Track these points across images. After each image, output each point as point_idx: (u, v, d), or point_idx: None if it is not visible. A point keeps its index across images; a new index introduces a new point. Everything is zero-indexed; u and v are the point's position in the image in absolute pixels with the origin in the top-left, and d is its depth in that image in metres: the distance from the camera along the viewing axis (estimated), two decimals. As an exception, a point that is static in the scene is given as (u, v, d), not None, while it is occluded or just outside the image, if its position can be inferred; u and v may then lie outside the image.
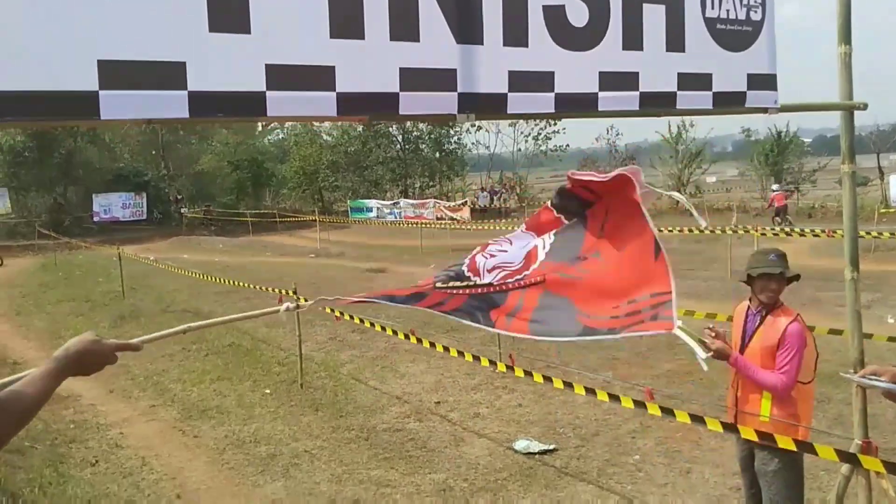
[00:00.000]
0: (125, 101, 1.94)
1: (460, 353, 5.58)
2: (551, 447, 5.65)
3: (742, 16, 3.21)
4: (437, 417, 6.48)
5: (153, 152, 38.44)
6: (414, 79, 2.44)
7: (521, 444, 5.71)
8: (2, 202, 28.76)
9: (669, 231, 15.56)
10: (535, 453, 5.57)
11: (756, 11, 3.26)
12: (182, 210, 34.64)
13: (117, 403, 7.31)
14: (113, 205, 33.36)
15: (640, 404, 4.28)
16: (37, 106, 1.84)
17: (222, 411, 6.86)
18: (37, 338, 10.68)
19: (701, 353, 3.06)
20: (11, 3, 1.78)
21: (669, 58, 3.01)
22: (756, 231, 13.98)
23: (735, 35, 3.19)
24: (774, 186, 27.38)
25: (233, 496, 5.18)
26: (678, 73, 3.05)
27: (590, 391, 4.62)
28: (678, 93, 3.06)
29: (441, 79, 2.50)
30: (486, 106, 2.61)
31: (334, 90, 2.28)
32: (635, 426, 5.96)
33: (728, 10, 3.16)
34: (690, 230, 14.20)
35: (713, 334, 3.43)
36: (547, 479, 5.14)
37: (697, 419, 3.85)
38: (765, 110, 3.32)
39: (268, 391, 7.44)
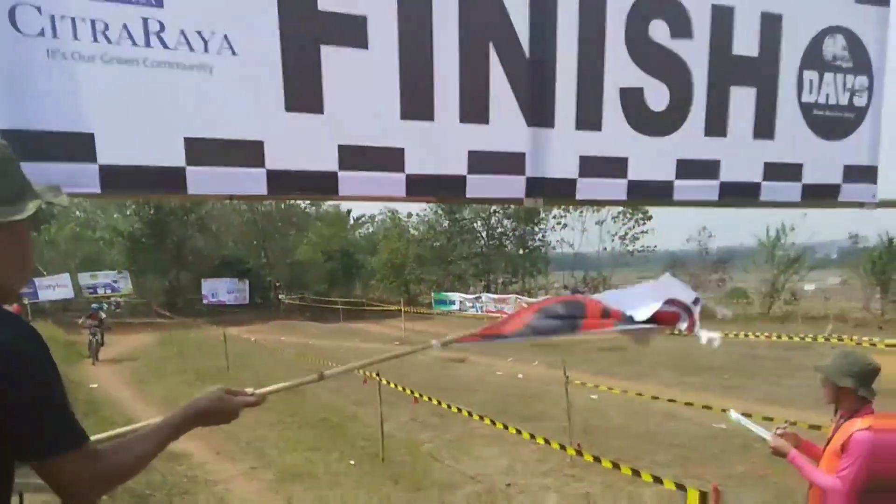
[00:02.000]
0: (209, 177, 2.03)
1: (532, 436, 6.05)
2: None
3: (844, 101, 2.89)
4: (507, 499, 6.90)
5: (254, 242, 41.02)
6: (482, 162, 2.39)
7: (585, 528, 6.04)
8: (124, 284, 31.20)
9: (756, 337, 15.45)
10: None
11: (861, 97, 2.92)
12: (280, 296, 36.49)
13: (223, 463, 8.11)
14: (219, 290, 35.76)
15: (704, 496, 4.58)
16: (134, 180, 1.97)
17: (312, 477, 7.52)
18: (156, 403, 11.81)
19: (763, 433, 3.24)
20: (110, 83, 1.91)
21: (756, 145, 2.79)
22: (852, 340, 13.73)
23: (833, 122, 2.88)
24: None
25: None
26: (765, 163, 2.82)
27: (657, 479, 4.94)
28: (763, 183, 2.82)
29: (510, 162, 2.43)
30: (555, 191, 2.53)
31: (403, 171, 2.27)
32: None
33: (828, 95, 2.85)
34: (779, 336, 14.10)
35: (780, 431, 3.42)
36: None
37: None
38: (860, 205, 3.03)
39: (352, 462, 8.07)
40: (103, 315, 18.24)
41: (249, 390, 1.73)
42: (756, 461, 7.89)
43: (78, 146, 1.91)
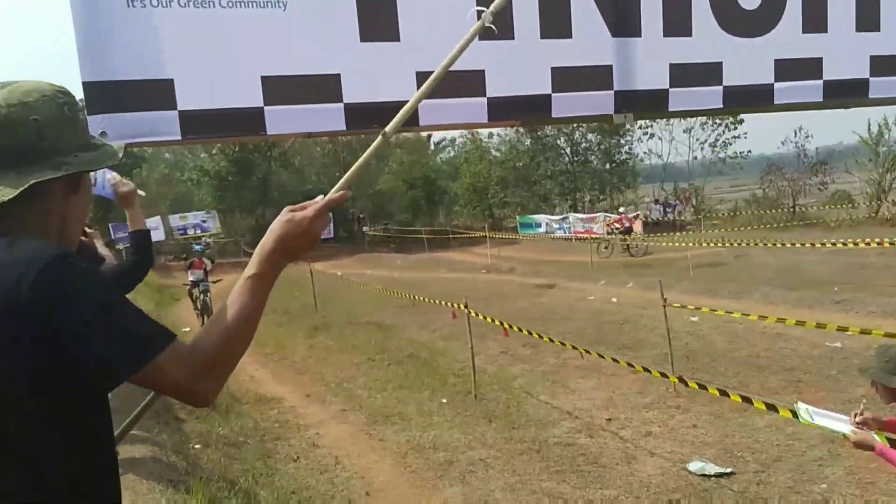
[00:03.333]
0: (287, 115, 2.03)
1: (630, 365, 5.61)
2: (728, 470, 5.49)
3: None
4: (609, 434, 6.53)
5: (336, 174, 41.48)
6: (567, 79, 2.28)
7: (695, 466, 5.62)
8: (213, 223, 31.99)
9: (866, 244, 14.22)
10: (710, 475, 5.45)
11: None
12: (364, 228, 36.98)
13: (314, 406, 8.13)
14: (305, 225, 36.49)
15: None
16: (214, 124, 1.98)
17: (404, 418, 7.39)
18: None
19: (840, 426, 2.95)
20: (188, 28, 1.92)
21: (860, 39, 2.62)
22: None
23: None
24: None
25: (414, 497, 5.60)
26: (871, 57, 2.64)
27: (770, 407, 4.47)
28: (871, 79, 2.65)
29: (596, 77, 2.33)
30: (646, 104, 2.41)
31: (485, 95, 2.20)
32: (822, 453, 5.63)
33: None
34: (891, 242, 12.88)
35: (860, 419, 3.00)
36: (723, 502, 5.02)
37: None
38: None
39: (444, 401, 7.89)
40: (208, 263, 14.03)
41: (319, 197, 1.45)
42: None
43: (159, 94, 1.92)
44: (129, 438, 5.44)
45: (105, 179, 2.74)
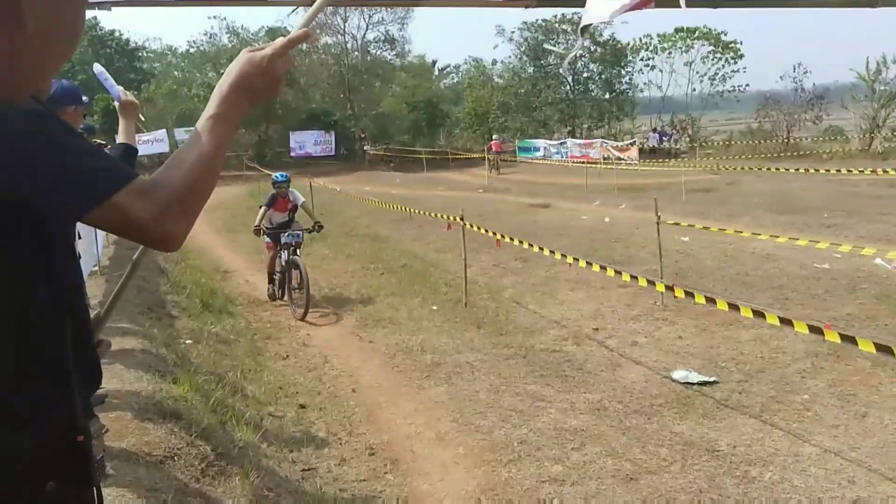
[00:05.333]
0: None
1: (618, 273, 5.61)
2: (711, 379, 5.58)
3: None
4: (595, 343, 6.61)
5: (340, 95, 41.18)
6: None
7: (679, 374, 5.70)
8: None
9: (860, 172, 14.16)
10: (693, 384, 5.54)
11: None
12: (366, 147, 36.69)
13: (305, 310, 8.18)
14: (306, 142, 36.15)
15: (816, 330, 4.11)
16: None
17: (394, 322, 7.46)
18: (243, 251, 12.10)
19: None
20: None
21: None
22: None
23: None
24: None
25: (401, 395, 5.70)
26: None
27: (758, 314, 4.48)
28: None
29: None
30: None
31: None
32: (805, 366, 5.71)
33: None
34: (885, 171, 12.78)
35: None
36: (705, 409, 5.11)
37: (885, 349, 3.65)
38: None
39: (435, 308, 7.95)
40: (297, 197, 8.72)
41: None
42: (865, 302, 7.26)
43: None
44: (119, 331, 5.47)
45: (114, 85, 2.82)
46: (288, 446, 4.64)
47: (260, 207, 8.36)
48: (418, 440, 4.87)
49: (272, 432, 4.78)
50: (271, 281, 8.51)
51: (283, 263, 8.13)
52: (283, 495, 3.85)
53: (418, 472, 4.43)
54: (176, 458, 3.46)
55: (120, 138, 2.79)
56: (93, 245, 7.51)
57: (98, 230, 8.23)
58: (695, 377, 5.61)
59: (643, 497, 3.88)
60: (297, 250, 8.07)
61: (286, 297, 8.19)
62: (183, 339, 6.36)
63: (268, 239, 8.42)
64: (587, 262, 6.13)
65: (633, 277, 5.60)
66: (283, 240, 8.03)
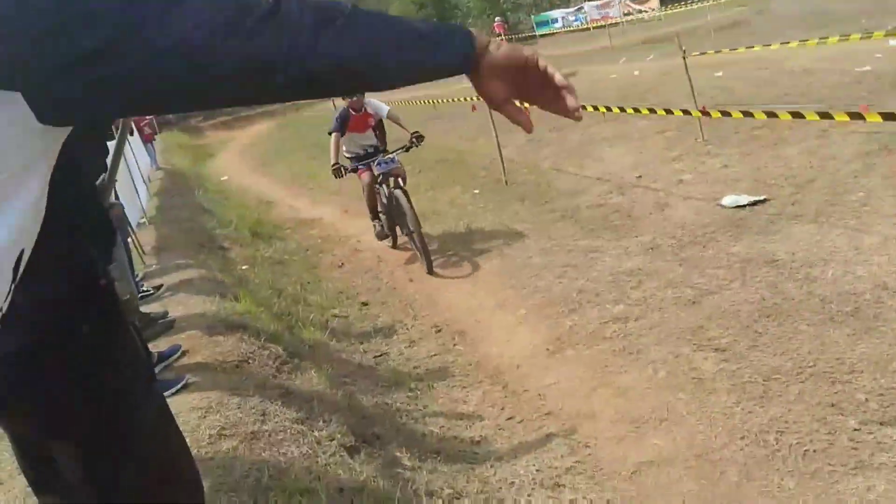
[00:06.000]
0: None
1: (651, 111, 5.45)
2: (762, 198, 5.45)
3: None
4: (640, 189, 6.51)
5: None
6: None
7: (728, 200, 5.59)
8: None
9: None
10: (744, 206, 5.43)
11: None
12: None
13: (352, 220, 8.29)
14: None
15: (856, 117, 3.94)
16: None
17: (437, 213, 7.50)
18: (281, 181, 12.25)
19: None
20: None
21: None
22: None
23: None
24: None
25: (457, 276, 5.78)
26: None
27: (797, 115, 4.31)
28: None
29: None
30: None
31: None
32: (857, 167, 5.51)
33: None
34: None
35: None
36: (759, 226, 5.02)
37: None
38: None
39: (476, 192, 7.94)
40: (380, 109, 5.07)
41: None
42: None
43: None
44: (175, 266, 5.68)
45: None
46: (357, 340, 4.82)
47: (330, 136, 6.24)
48: (481, 311, 4.98)
49: (339, 330, 4.97)
50: (376, 217, 6.65)
51: (385, 200, 6.37)
52: (358, 380, 4.03)
53: (485, 339, 4.56)
54: (250, 361, 3.64)
55: None
56: (136, 198, 7.71)
57: (140, 184, 8.42)
58: (745, 199, 5.49)
59: (706, 315, 3.91)
60: (400, 181, 6.19)
61: (404, 240, 6.63)
62: (239, 265, 6.56)
63: (360, 165, 6.39)
64: (619, 108, 5.96)
65: (668, 111, 5.42)
66: (375, 171, 6.21)
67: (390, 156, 6.25)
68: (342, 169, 6.15)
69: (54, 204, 1.11)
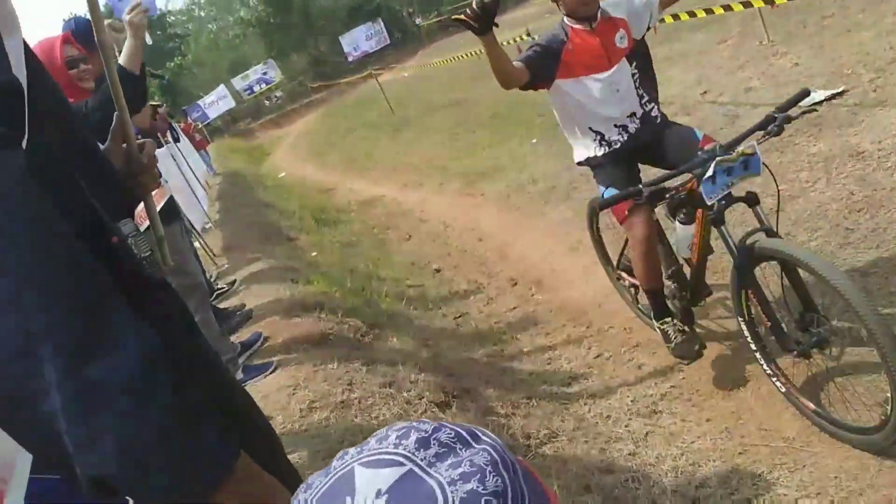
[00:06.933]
0: None
1: (708, 11, 5.08)
2: (839, 90, 5.06)
3: None
4: (706, 105, 6.16)
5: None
6: None
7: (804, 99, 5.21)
8: (274, 72, 30.60)
9: None
10: (820, 102, 5.05)
11: None
12: (417, 21, 35.17)
13: (411, 193, 8.28)
14: (358, 40, 34.72)
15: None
16: None
17: (497, 168, 7.37)
18: (338, 167, 12.37)
19: None
20: None
21: None
22: None
23: None
24: None
25: (525, 228, 5.67)
26: None
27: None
28: None
29: None
30: None
31: None
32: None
33: None
34: None
35: None
36: (839, 120, 4.66)
37: None
38: None
39: (534, 141, 7.74)
40: None
41: None
42: None
43: None
44: (246, 260, 5.81)
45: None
46: (436, 305, 4.80)
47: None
48: (554, 258, 4.87)
49: (416, 299, 4.96)
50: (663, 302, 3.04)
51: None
52: (442, 341, 4.02)
53: (562, 284, 4.45)
54: (331, 337, 3.67)
55: (120, 61, 2.36)
56: (197, 204, 7.89)
57: (197, 190, 8.62)
58: (820, 95, 5.10)
59: (792, 221, 3.67)
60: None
61: None
62: (307, 253, 6.65)
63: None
64: (672, 16, 5.62)
65: (727, 7, 5.04)
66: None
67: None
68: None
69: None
